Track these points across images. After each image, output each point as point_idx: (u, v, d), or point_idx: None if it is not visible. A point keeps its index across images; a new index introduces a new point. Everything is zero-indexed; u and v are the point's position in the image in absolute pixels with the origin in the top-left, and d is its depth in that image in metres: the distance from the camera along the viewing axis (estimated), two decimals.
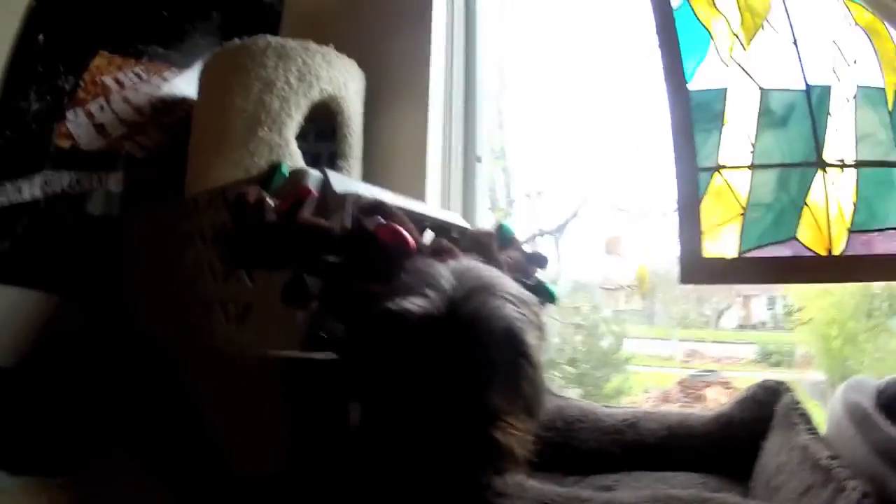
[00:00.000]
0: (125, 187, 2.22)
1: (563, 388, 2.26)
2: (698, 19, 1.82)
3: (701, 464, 1.33)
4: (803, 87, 1.71)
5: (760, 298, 2.86)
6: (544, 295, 1.11)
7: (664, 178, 1.84)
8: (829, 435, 1.17)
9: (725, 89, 1.79)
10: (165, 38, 2.41)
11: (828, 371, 2.35)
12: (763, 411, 1.36)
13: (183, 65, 2.40)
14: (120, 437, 1.54)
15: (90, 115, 2.24)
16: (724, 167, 1.76)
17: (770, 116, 1.74)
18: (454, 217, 1.55)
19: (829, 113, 1.69)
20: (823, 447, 1.03)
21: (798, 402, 1.27)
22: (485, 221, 2.14)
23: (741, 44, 1.78)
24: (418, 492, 0.75)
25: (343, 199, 1.04)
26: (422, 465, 0.72)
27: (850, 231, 1.64)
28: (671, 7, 1.82)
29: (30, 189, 2.09)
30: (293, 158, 1.82)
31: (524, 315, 0.81)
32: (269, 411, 1.11)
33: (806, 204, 1.67)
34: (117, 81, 2.31)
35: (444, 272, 0.82)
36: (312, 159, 1.95)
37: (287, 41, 1.89)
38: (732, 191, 1.75)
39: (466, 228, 1.38)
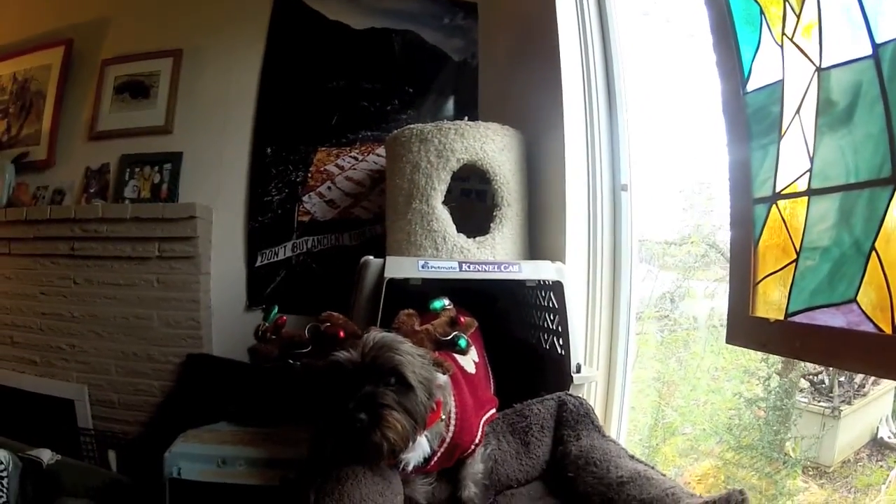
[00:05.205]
0: (358, 242, 2.86)
1: None
2: None
3: None
4: (870, 50, 1.05)
5: None
6: (456, 345, 1.41)
7: None
8: None
9: (781, 81, 1.21)
10: (371, 124, 2.78)
11: None
12: None
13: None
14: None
15: (321, 196, 2.81)
16: (781, 195, 1.19)
17: (831, 112, 1.12)
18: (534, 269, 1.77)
19: None
20: None
21: None
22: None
23: (791, 7, 1.17)
24: (346, 445, 1.21)
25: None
26: (349, 430, 1.18)
27: None
28: None
29: (283, 252, 2.94)
30: (439, 222, 2.03)
31: (408, 362, 1.25)
32: None
33: (874, 249, 1.02)
34: (338, 166, 2.78)
35: (366, 339, 1.27)
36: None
37: (425, 126, 2.11)
38: (787, 228, 1.18)
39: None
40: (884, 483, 1.89)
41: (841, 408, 2.01)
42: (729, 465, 2.18)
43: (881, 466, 1.92)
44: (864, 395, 2.05)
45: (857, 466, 1.97)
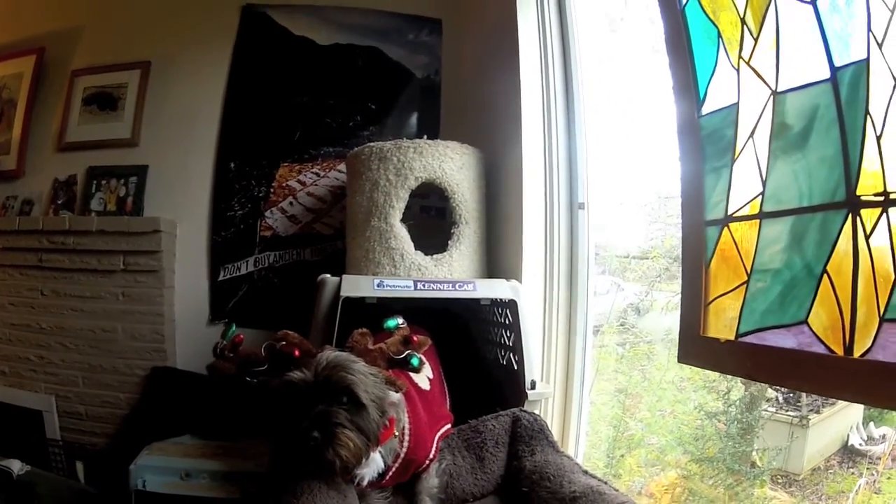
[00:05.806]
0: (319, 258, 2.82)
1: None
2: (705, 13, 1.19)
3: None
4: (828, 74, 1.00)
5: None
6: (409, 364, 1.40)
7: None
8: None
9: (736, 104, 1.15)
10: (333, 140, 2.72)
11: None
12: None
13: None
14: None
15: (283, 211, 2.76)
16: (733, 218, 1.14)
17: (786, 135, 1.07)
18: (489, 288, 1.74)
19: (867, 111, 0.94)
20: None
21: None
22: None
23: (749, 31, 1.10)
24: (301, 461, 1.21)
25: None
26: (303, 448, 1.17)
27: (884, 319, 0.89)
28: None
29: (246, 266, 2.88)
30: (398, 239, 1.98)
31: (360, 381, 1.24)
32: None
33: (826, 272, 0.97)
34: (300, 182, 2.72)
35: (320, 358, 1.25)
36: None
37: (385, 144, 2.06)
38: (739, 250, 1.13)
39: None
40: (852, 490, 1.84)
41: (809, 416, 1.98)
42: (693, 477, 2.12)
43: (852, 473, 1.90)
44: (833, 403, 2.01)
45: (827, 474, 1.94)
